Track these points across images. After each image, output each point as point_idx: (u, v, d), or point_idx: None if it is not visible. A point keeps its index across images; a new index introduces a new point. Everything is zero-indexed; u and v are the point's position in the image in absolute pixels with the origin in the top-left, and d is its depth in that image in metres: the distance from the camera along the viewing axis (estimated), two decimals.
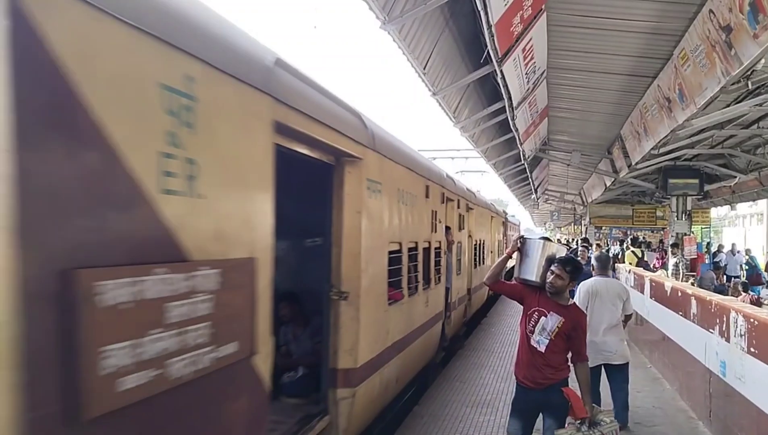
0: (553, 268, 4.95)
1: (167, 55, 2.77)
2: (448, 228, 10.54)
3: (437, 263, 9.45)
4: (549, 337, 4.88)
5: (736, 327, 6.07)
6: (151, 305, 2.61)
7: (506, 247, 6.23)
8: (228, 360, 3.20)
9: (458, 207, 11.95)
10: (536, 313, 4.99)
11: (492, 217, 19.68)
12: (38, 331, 2.11)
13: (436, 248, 9.27)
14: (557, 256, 5.07)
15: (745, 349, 5.80)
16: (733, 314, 6.21)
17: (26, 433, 2.05)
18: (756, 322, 5.64)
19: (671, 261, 14.67)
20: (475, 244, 15.44)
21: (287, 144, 4.16)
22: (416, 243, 8.01)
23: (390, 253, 6.64)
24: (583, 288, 7.18)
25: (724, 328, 6.48)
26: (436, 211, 9.26)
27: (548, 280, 4.95)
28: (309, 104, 4.34)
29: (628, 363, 7.34)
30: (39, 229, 2.12)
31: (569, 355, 5.05)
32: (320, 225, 5.37)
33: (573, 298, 5.94)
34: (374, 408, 6.45)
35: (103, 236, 2.42)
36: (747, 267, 21.14)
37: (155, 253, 2.69)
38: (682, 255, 14.99)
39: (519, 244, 5.27)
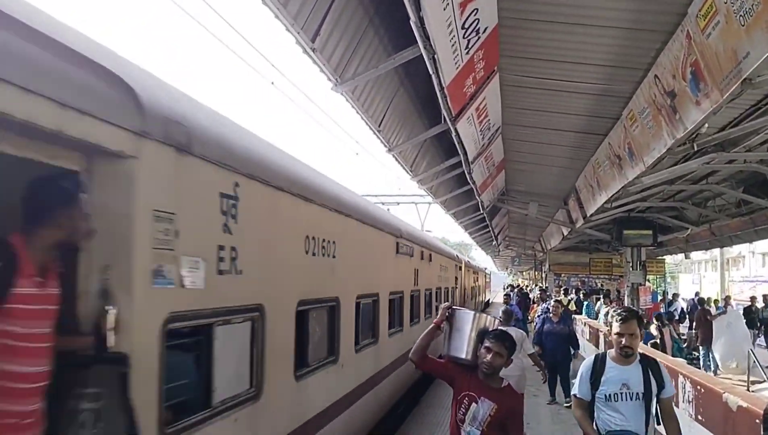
0: (489, 344, 4.21)
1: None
2: None
3: None
4: (480, 428, 4.12)
5: (685, 392, 6.08)
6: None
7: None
8: None
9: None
10: (466, 398, 4.22)
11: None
12: None
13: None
14: (490, 330, 4.40)
15: (693, 416, 5.80)
16: (681, 379, 6.23)
17: None
18: (703, 390, 5.65)
19: (602, 311, 14.91)
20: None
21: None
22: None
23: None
24: None
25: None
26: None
27: (485, 359, 4.19)
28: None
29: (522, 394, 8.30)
30: None
31: None
32: None
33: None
34: None
35: None
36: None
37: None
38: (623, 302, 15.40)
39: (447, 314, 4.50)
